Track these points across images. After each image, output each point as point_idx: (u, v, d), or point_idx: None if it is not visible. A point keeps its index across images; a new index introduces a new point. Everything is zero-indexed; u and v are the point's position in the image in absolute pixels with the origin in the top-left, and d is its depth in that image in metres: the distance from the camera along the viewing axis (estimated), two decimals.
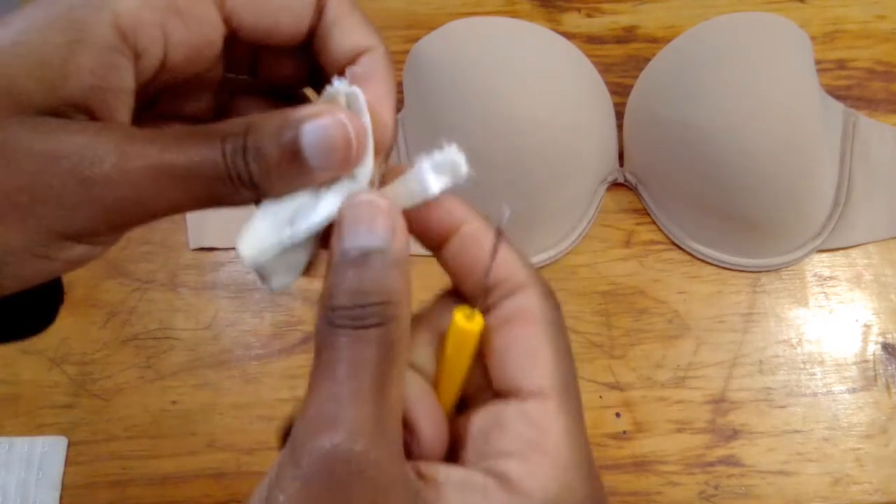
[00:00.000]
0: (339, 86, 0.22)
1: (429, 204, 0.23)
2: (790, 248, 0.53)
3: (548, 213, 0.51)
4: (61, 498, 0.49)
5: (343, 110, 0.21)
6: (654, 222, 0.54)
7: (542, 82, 0.47)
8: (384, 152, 0.23)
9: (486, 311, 0.23)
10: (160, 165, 0.20)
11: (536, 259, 0.52)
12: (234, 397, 0.51)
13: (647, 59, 0.51)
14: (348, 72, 0.23)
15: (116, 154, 0.20)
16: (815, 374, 0.51)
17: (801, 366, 0.51)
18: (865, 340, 0.52)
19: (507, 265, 0.23)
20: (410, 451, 0.22)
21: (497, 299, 0.23)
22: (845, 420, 0.50)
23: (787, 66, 0.48)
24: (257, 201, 0.22)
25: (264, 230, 0.21)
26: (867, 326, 0.52)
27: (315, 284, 0.57)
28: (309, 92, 0.27)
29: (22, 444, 0.50)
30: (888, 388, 0.51)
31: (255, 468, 0.50)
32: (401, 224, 0.21)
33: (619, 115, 0.54)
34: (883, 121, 0.56)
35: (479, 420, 0.22)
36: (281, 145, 0.20)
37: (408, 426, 0.22)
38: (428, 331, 0.24)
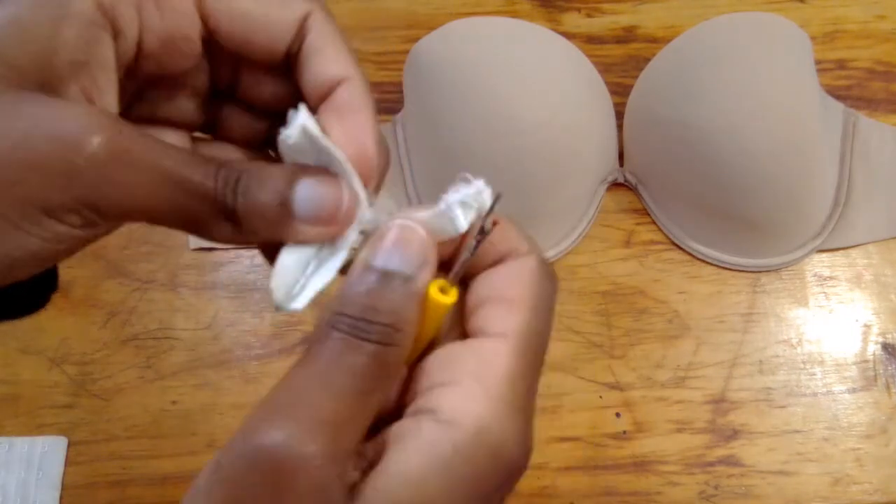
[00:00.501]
0: (298, 117, 0.22)
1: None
2: (790, 248, 0.53)
3: (548, 213, 0.51)
4: (61, 498, 0.49)
5: (342, 178, 0.22)
6: (654, 222, 0.54)
7: (542, 82, 0.47)
8: (373, 183, 0.24)
9: (474, 274, 0.23)
10: (149, 161, 0.20)
11: None
12: (234, 397, 0.51)
13: (647, 59, 0.51)
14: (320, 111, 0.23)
15: (107, 137, 0.20)
16: (815, 374, 0.51)
17: (801, 366, 0.51)
18: (865, 340, 0.52)
19: (511, 239, 0.23)
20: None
21: (495, 268, 0.23)
22: (845, 420, 0.50)
23: (787, 66, 0.48)
24: (234, 242, 0.22)
25: (291, 265, 0.22)
26: (867, 326, 0.52)
27: None
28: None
29: (22, 444, 0.50)
30: (888, 388, 0.51)
31: None
32: (433, 258, 0.22)
33: (619, 115, 0.54)
34: (883, 121, 0.56)
35: (433, 358, 0.22)
36: (273, 189, 0.21)
37: None
38: None
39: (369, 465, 0.20)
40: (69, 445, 0.50)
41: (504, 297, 0.22)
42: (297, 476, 0.19)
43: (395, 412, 0.22)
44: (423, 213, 0.22)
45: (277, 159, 0.23)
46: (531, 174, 0.48)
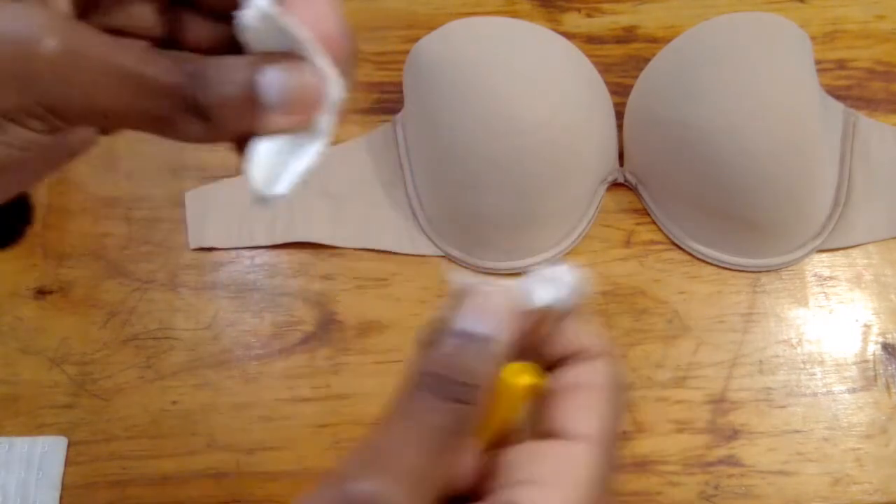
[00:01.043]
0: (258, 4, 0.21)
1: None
2: (790, 248, 0.53)
3: (548, 213, 0.51)
4: (61, 498, 0.49)
5: (309, 66, 0.21)
6: (654, 222, 0.54)
7: (542, 82, 0.47)
8: (343, 64, 0.23)
9: (552, 369, 0.25)
10: (106, 58, 0.20)
11: (537, 259, 0.52)
12: (234, 397, 0.51)
13: (647, 59, 0.51)
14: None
15: (65, 36, 0.20)
16: (815, 374, 0.51)
17: (801, 366, 0.51)
18: (865, 340, 0.52)
19: (585, 338, 0.25)
20: None
21: (572, 364, 0.25)
22: (845, 420, 0.50)
23: (787, 66, 0.48)
24: (208, 140, 0.21)
25: (266, 152, 0.22)
26: (867, 326, 0.52)
27: (316, 285, 0.57)
28: None
29: (22, 444, 0.50)
30: (888, 388, 0.51)
31: (254, 468, 0.50)
32: (512, 323, 0.23)
33: (619, 115, 0.54)
34: (883, 121, 0.56)
35: (514, 452, 0.23)
36: (239, 79, 0.20)
37: None
38: None
39: None
40: (69, 445, 0.50)
41: (585, 400, 0.24)
42: None
43: (471, 496, 0.23)
44: (505, 283, 0.24)
45: None
46: (531, 174, 0.48)
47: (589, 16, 0.59)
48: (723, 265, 0.53)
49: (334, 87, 0.22)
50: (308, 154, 0.22)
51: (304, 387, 0.51)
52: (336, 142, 0.55)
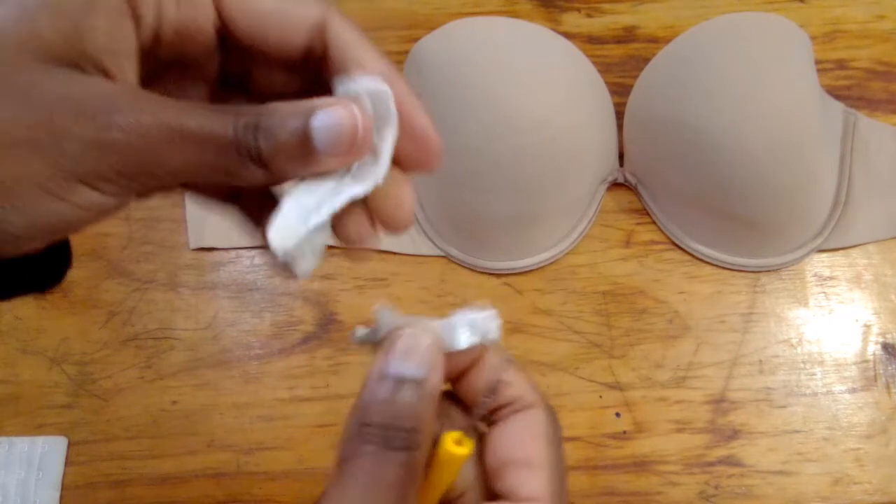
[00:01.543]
0: (364, 83, 0.23)
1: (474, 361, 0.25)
2: (790, 248, 0.53)
3: (548, 213, 0.51)
4: (61, 498, 0.49)
5: (353, 102, 0.22)
6: (654, 222, 0.54)
7: (542, 82, 0.47)
8: (421, 169, 0.25)
9: (490, 423, 0.25)
10: (173, 124, 0.21)
11: (536, 259, 0.52)
12: (234, 397, 0.51)
13: (647, 59, 0.51)
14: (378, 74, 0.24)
15: (133, 106, 0.21)
16: (815, 374, 0.51)
17: (801, 366, 0.51)
18: (865, 340, 0.52)
19: (518, 387, 0.26)
20: None
21: (507, 414, 0.25)
22: (845, 420, 0.50)
23: (787, 66, 0.48)
24: (270, 183, 0.23)
25: (293, 218, 0.22)
26: (867, 326, 0.52)
27: (316, 285, 0.57)
28: None
29: (22, 444, 0.50)
30: (888, 388, 0.51)
31: (254, 468, 0.50)
32: (440, 362, 0.24)
33: (619, 115, 0.54)
34: (883, 121, 0.56)
35: None
36: (291, 127, 0.21)
37: None
38: None
39: None
40: (69, 445, 0.50)
41: (525, 460, 0.25)
42: None
43: None
44: (431, 323, 0.24)
45: None
46: (531, 174, 0.48)
47: (589, 16, 0.59)
48: (723, 265, 0.53)
49: (387, 126, 0.23)
50: (341, 197, 0.23)
51: (304, 387, 0.51)
52: None
